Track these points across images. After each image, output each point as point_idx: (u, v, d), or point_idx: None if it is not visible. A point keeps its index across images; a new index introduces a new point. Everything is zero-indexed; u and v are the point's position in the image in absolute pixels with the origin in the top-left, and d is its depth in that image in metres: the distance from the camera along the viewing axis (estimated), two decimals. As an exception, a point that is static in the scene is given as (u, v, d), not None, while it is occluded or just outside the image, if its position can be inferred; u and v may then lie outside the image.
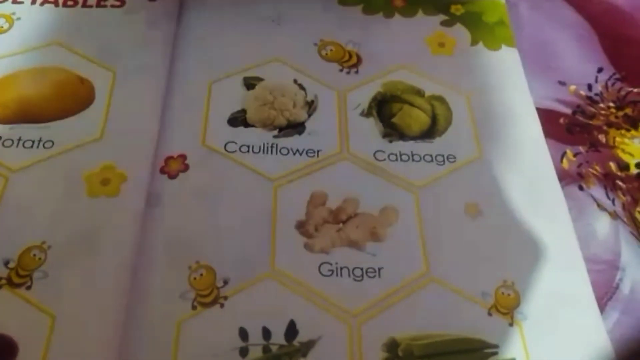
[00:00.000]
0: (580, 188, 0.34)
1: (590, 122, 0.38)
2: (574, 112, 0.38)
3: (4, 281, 0.28)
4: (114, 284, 0.28)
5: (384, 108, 0.37)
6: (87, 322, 0.27)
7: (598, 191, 0.34)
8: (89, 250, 0.29)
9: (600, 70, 0.40)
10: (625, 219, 0.33)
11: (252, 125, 0.36)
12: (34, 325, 0.27)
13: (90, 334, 0.27)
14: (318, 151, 0.35)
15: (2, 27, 0.38)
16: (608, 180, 0.35)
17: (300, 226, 0.32)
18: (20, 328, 0.27)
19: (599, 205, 0.34)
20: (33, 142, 0.33)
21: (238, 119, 0.36)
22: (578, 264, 0.31)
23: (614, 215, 0.33)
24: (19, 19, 0.39)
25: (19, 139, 0.33)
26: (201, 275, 0.30)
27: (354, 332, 0.28)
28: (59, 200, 0.31)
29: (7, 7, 0.39)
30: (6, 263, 0.29)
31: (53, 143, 0.33)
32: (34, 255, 0.29)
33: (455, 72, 0.39)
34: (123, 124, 0.34)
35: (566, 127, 0.37)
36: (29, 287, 0.28)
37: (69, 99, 0.35)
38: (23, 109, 0.34)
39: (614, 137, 0.37)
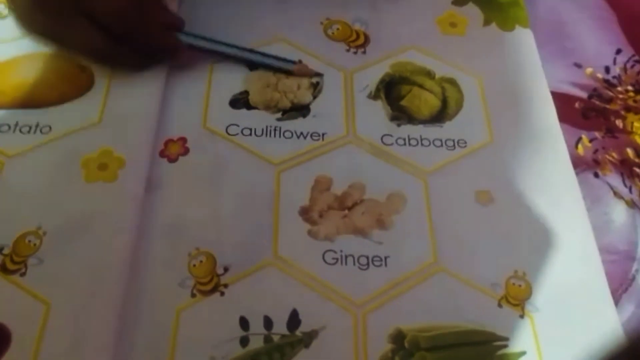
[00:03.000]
0: (596, 175, 0.33)
1: (607, 106, 0.36)
2: (590, 96, 0.36)
3: None
4: (111, 270, 0.28)
5: (393, 90, 0.36)
6: (83, 310, 0.26)
7: (614, 178, 0.33)
8: (85, 236, 0.28)
9: (618, 51, 0.38)
10: (643, 208, 0.32)
11: (255, 108, 0.34)
12: (27, 312, 0.26)
13: (87, 321, 0.26)
14: (323, 134, 0.33)
15: (1, 12, 0.37)
16: (625, 167, 0.33)
17: (304, 212, 0.31)
18: (14, 316, 0.26)
19: (615, 193, 0.32)
20: (30, 127, 0.32)
21: (240, 101, 0.35)
22: (592, 254, 0.30)
23: (630, 204, 0.32)
24: (17, 0, 0.38)
25: (16, 124, 0.32)
26: (201, 262, 0.29)
27: (358, 322, 0.28)
28: (55, 185, 0.30)
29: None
30: (0, 249, 0.28)
31: (50, 128, 0.32)
32: (29, 241, 0.28)
33: (467, 53, 0.37)
34: (122, 108, 0.33)
35: (582, 112, 0.36)
36: (23, 274, 0.27)
37: (68, 86, 0.34)
38: (21, 95, 0.33)
39: (632, 122, 0.35)
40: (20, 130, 0.32)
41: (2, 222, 0.29)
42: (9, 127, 0.32)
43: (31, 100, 0.33)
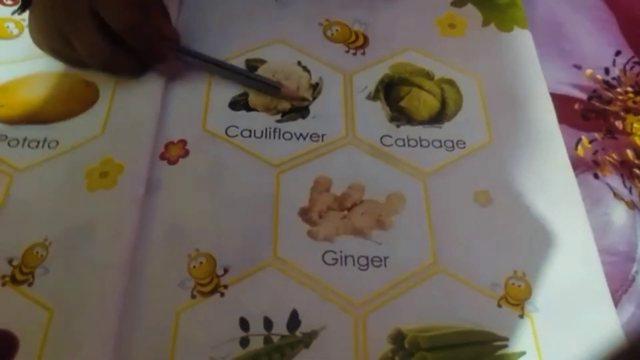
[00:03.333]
0: (596, 176, 0.33)
1: (607, 107, 0.36)
2: (590, 97, 0.36)
3: (7, 279, 0.28)
4: (112, 274, 0.28)
5: (392, 91, 0.36)
6: (84, 314, 0.27)
7: (614, 179, 0.33)
8: (87, 243, 0.28)
9: (618, 53, 0.38)
10: (642, 209, 0.32)
11: (254, 109, 0.35)
12: (33, 320, 0.27)
13: (87, 324, 0.26)
14: (322, 135, 0.34)
15: (12, 32, 0.37)
16: (625, 168, 0.33)
17: (304, 213, 0.31)
18: (21, 323, 0.27)
19: (615, 194, 0.32)
20: (38, 142, 0.33)
21: (240, 103, 0.35)
22: (592, 255, 0.30)
23: (630, 205, 0.32)
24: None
25: (25, 139, 0.33)
26: (201, 263, 0.29)
27: (358, 322, 0.28)
28: (60, 197, 0.30)
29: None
30: (10, 261, 0.28)
31: (58, 143, 0.32)
32: (37, 252, 0.29)
33: (466, 54, 0.38)
34: (124, 116, 0.33)
35: (581, 113, 0.36)
36: (30, 284, 0.28)
37: (74, 102, 0.34)
38: (28, 111, 0.34)
39: (632, 124, 0.35)
40: (29, 145, 0.32)
41: (12, 234, 0.29)
42: (18, 141, 0.33)
43: (39, 116, 0.34)
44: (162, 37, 0.33)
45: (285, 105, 0.35)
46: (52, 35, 0.33)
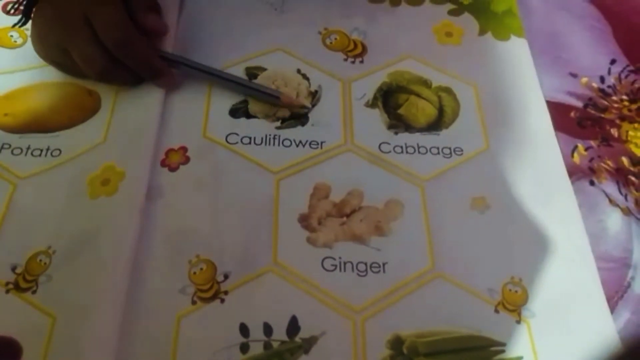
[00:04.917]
0: (592, 183, 0.34)
1: (603, 115, 0.36)
2: (586, 105, 0.37)
3: (11, 286, 0.28)
4: (113, 280, 0.28)
5: (390, 99, 0.36)
6: (87, 321, 0.27)
7: (610, 186, 0.33)
8: (89, 251, 0.29)
9: (613, 61, 0.39)
10: (638, 216, 0.32)
11: (254, 116, 0.35)
12: (36, 327, 0.27)
13: (90, 331, 0.26)
14: (322, 143, 0.34)
15: (15, 41, 0.38)
16: (620, 176, 0.34)
17: (303, 219, 0.31)
18: (25, 331, 0.27)
19: (610, 201, 0.33)
20: (41, 150, 0.33)
21: (240, 110, 0.35)
22: (588, 261, 0.30)
23: (626, 212, 0.32)
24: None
25: (28, 148, 0.33)
26: (201, 269, 0.29)
27: (357, 328, 0.28)
28: (63, 205, 0.31)
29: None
30: (13, 268, 0.29)
31: (60, 151, 0.33)
32: (40, 260, 0.29)
33: (463, 62, 0.38)
34: (125, 124, 0.34)
35: (577, 121, 0.36)
36: (34, 292, 0.28)
37: (77, 110, 0.35)
38: (32, 120, 0.34)
39: (627, 131, 0.36)
40: (32, 154, 0.33)
41: (15, 241, 0.30)
42: (21, 150, 0.33)
43: (43, 125, 0.34)
44: (149, 31, 0.33)
45: (285, 112, 0.35)
46: (51, 46, 0.34)
